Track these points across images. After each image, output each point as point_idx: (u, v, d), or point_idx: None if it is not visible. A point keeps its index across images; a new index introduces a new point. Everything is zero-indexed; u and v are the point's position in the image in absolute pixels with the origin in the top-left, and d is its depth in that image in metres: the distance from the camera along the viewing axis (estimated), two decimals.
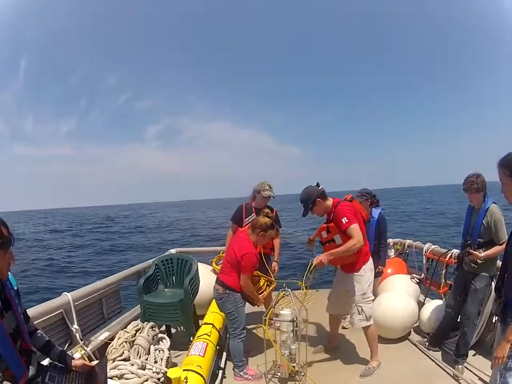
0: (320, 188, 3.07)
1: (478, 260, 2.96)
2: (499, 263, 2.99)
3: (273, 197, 3.90)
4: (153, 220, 40.77)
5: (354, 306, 3.07)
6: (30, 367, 1.61)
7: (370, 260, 3.16)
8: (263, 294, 3.26)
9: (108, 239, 22.45)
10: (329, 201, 3.09)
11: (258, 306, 3.29)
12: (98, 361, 2.54)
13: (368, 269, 3.10)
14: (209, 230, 23.80)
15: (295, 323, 2.91)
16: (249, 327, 3.96)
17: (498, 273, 2.63)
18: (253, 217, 3.76)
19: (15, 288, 1.68)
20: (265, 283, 3.36)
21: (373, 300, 3.16)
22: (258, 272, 3.40)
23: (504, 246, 2.86)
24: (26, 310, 1.79)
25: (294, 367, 2.92)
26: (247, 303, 3.24)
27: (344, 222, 2.87)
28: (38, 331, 1.82)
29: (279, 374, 3.01)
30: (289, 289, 3.04)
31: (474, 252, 2.96)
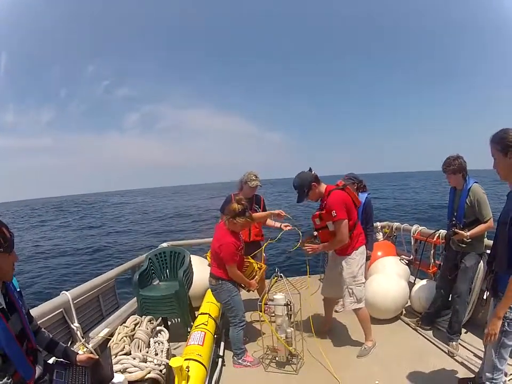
0: (313, 173, 3.11)
1: (464, 239, 3.02)
2: (487, 240, 3.09)
3: (260, 186, 3.92)
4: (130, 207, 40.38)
5: (345, 289, 3.14)
6: (37, 366, 1.66)
7: (363, 244, 3.22)
8: (255, 278, 3.29)
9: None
10: (323, 187, 3.14)
11: (252, 291, 3.32)
12: (102, 353, 2.59)
13: (359, 252, 3.17)
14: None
15: (289, 307, 2.97)
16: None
17: (487, 251, 2.69)
18: None
19: (18, 289, 1.71)
20: (256, 267, 3.38)
21: (364, 283, 3.21)
22: (249, 257, 3.46)
23: (489, 223, 2.91)
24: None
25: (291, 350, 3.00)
26: (243, 291, 3.28)
27: (333, 216, 2.99)
28: (41, 330, 1.87)
29: (277, 358, 3.08)
30: (281, 274, 3.12)
31: (460, 232, 3.01)
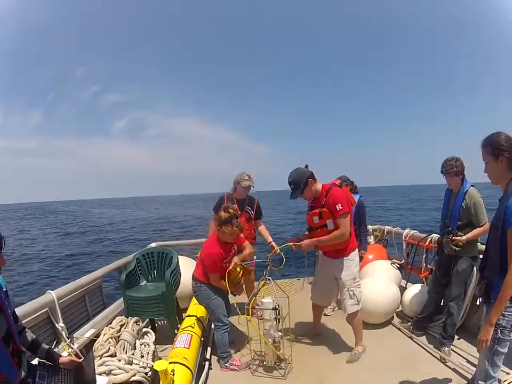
0: (309, 170, 3.06)
1: (459, 243, 3.01)
2: (480, 245, 3.10)
3: (253, 187, 3.90)
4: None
5: (346, 291, 3.07)
6: (22, 368, 1.62)
7: (356, 245, 3.20)
8: (240, 282, 3.24)
9: None
10: (319, 185, 3.08)
11: (238, 295, 3.28)
12: (85, 357, 2.55)
13: (355, 253, 3.14)
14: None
15: (277, 311, 2.93)
16: (231, 318, 4.03)
17: (480, 255, 2.68)
18: (234, 208, 3.79)
19: (4, 289, 1.67)
20: (241, 272, 3.28)
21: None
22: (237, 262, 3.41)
23: (484, 227, 2.89)
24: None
25: (279, 355, 2.97)
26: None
27: (338, 209, 2.90)
28: (25, 330, 1.82)
29: (264, 362, 3.05)
30: (270, 278, 3.06)
31: (457, 238, 3.00)
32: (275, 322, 2.97)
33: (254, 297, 3.03)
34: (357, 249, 3.17)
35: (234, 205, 3.87)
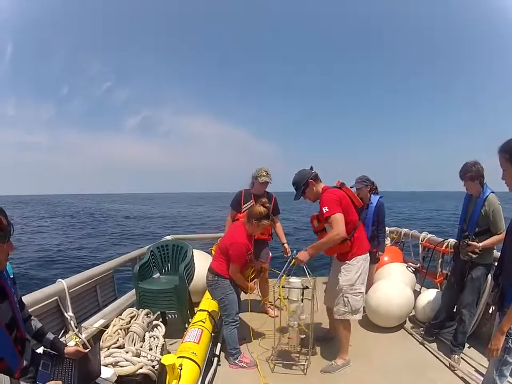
0: (313, 171, 2.99)
1: (476, 250, 2.94)
2: (496, 252, 3.02)
3: (270, 183, 3.89)
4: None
5: (340, 297, 2.95)
6: (25, 356, 1.60)
7: (367, 251, 3.02)
8: (254, 280, 3.23)
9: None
10: (321, 187, 3.00)
11: (250, 293, 3.24)
12: (92, 347, 2.54)
13: (361, 259, 2.95)
14: None
15: (304, 292, 2.89)
16: (242, 314, 3.98)
17: (495, 263, 2.61)
18: (251, 203, 3.77)
19: (11, 276, 1.66)
20: (255, 270, 3.26)
21: (362, 294, 3.02)
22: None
23: (502, 235, 2.78)
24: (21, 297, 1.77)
25: (302, 339, 2.99)
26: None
27: (324, 212, 2.80)
28: (32, 318, 1.81)
29: (287, 348, 3.02)
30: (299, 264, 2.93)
31: (473, 243, 2.94)
32: (302, 303, 2.92)
33: (283, 276, 2.97)
34: (364, 255, 2.98)
35: (251, 200, 3.83)
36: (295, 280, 2.93)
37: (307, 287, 2.90)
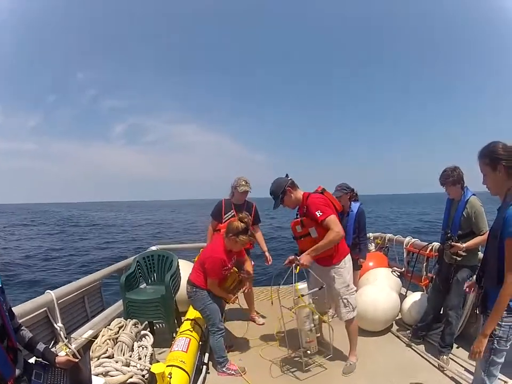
0: (289, 179, 3.03)
1: (460, 252, 3.00)
2: (480, 254, 3.06)
3: (250, 192, 3.91)
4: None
5: (339, 300, 3.02)
6: (17, 365, 1.62)
7: (348, 252, 3.12)
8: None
9: None
10: (300, 193, 3.05)
11: (232, 303, 3.25)
12: (82, 357, 2.55)
13: (347, 259, 3.05)
14: None
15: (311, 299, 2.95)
16: (229, 323, 4.04)
17: (479, 265, 2.69)
18: (232, 213, 3.81)
19: (0, 286, 1.67)
20: (235, 280, 3.22)
21: (355, 290, 3.15)
22: (235, 268, 3.28)
23: (485, 236, 2.83)
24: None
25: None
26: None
27: (318, 215, 2.83)
28: (22, 328, 1.82)
29: (309, 352, 3.04)
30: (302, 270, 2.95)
31: (456, 244, 2.99)
32: (313, 305, 2.97)
33: (296, 285, 2.94)
34: (349, 255, 3.10)
35: (232, 210, 3.87)
36: (302, 286, 2.93)
37: (322, 287, 2.91)
